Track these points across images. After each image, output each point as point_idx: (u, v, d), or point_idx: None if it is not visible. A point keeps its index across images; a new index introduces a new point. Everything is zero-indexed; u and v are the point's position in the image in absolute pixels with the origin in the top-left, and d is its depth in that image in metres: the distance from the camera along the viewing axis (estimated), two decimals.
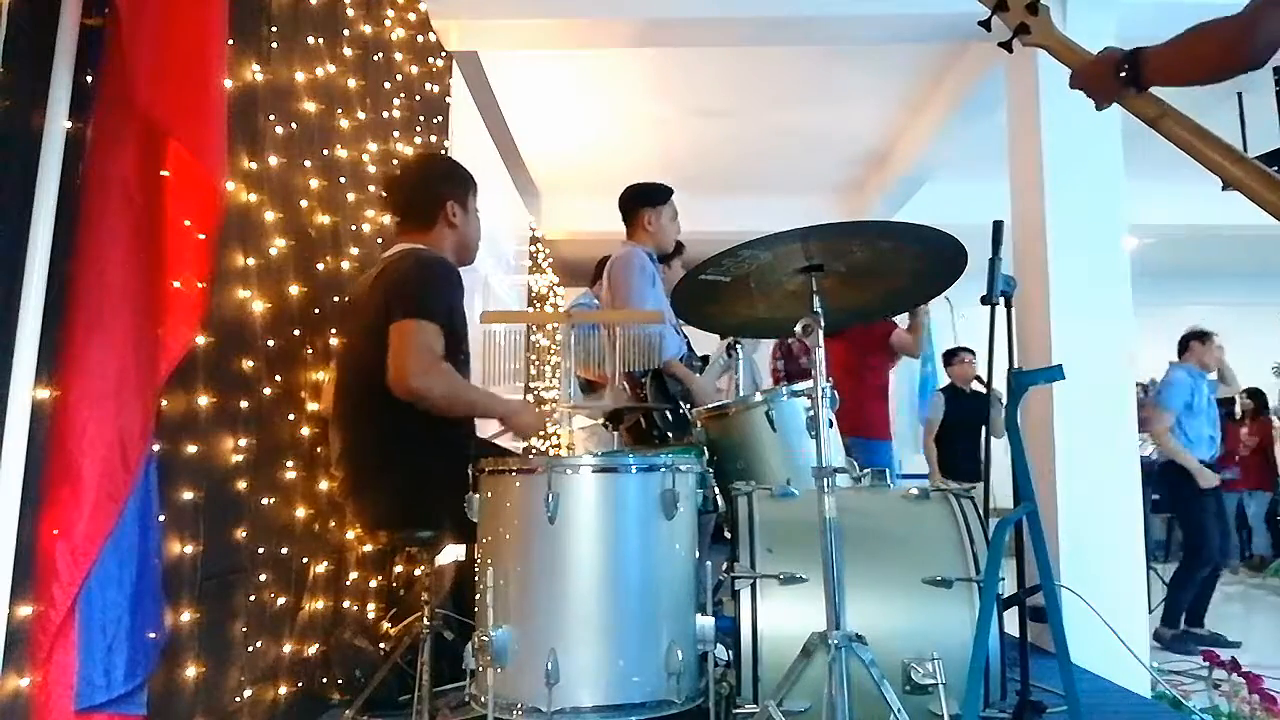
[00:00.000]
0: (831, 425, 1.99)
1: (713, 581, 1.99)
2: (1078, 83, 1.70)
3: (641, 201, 3.46)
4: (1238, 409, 7.93)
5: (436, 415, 2.11)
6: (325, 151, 2.56)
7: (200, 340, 1.75)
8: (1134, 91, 1.60)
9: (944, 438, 5.66)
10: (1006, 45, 1.92)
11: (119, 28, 1.43)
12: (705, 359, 3.57)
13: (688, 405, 3.11)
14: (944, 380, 6.09)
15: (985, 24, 1.94)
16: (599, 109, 5.66)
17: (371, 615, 2.76)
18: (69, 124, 1.43)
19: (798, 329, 1.71)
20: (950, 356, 5.83)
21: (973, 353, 5.68)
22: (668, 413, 3.07)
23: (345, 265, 2.67)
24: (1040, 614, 2.40)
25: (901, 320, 4.54)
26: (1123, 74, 1.59)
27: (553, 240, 7.64)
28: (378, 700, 2.18)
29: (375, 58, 3.06)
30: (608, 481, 1.86)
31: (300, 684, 2.25)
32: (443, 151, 3.94)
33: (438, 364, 2.10)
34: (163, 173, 1.52)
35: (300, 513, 2.30)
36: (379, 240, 2.93)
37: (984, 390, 5.42)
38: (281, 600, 2.18)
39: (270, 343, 2.15)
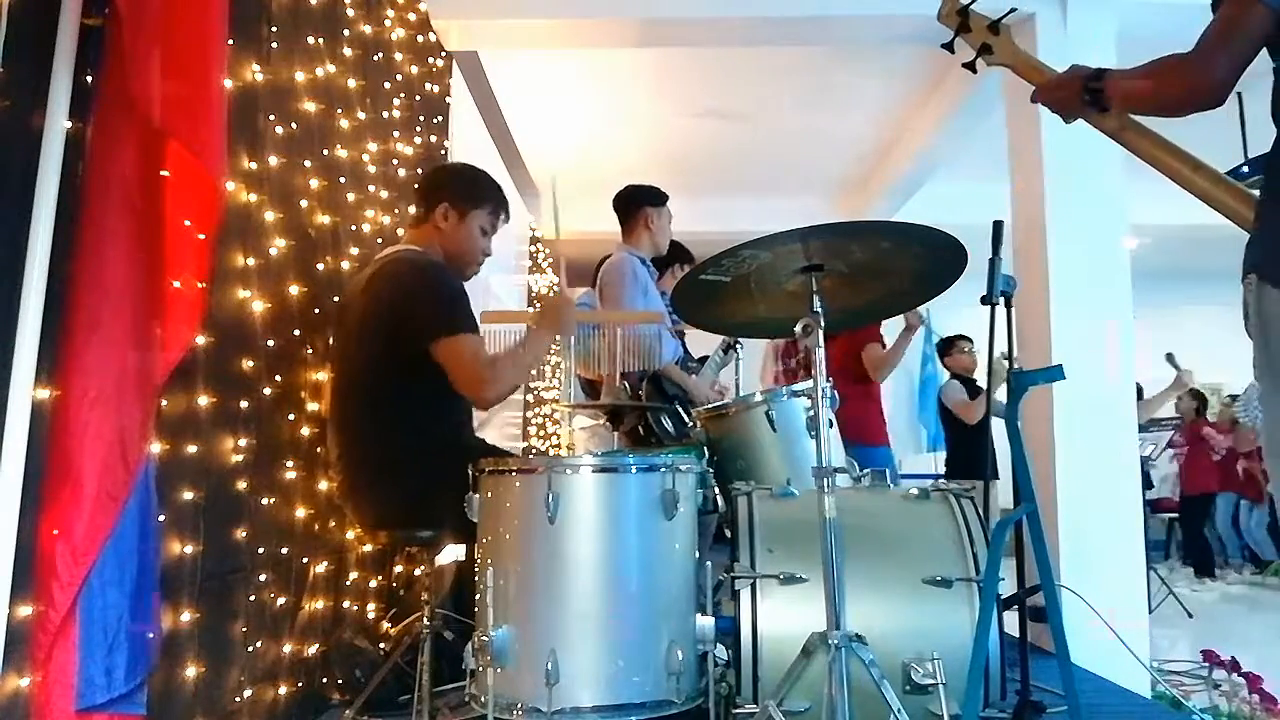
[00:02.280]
0: (832, 425, 1.99)
1: (713, 581, 1.99)
2: (1042, 98, 1.73)
3: (645, 201, 3.50)
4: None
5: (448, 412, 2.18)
6: (325, 151, 2.56)
7: (200, 340, 1.75)
8: (1095, 112, 1.63)
9: (950, 435, 5.57)
10: (970, 65, 1.93)
11: (119, 28, 1.43)
12: (704, 360, 3.57)
13: (686, 409, 3.11)
14: (942, 376, 5.93)
15: (949, 46, 1.96)
16: (599, 109, 5.66)
17: (371, 615, 2.75)
18: (69, 124, 1.43)
19: (798, 329, 1.71)
20: (948, 346, 5.42)
21: (971, 340, 5.30)
22: (666, 416, 3.07)
23: (345, 265, 2.67)
24: (1040, 614, 2.40)
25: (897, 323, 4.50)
26: (1086, 97, 1.62)
27: (553, 240, 7.63)
28: (378, 700, 2.18)
29: (375, 58, 3.06)
30: (608, 481, 1.86)
31: (300, 684, 2.25)
32: (443, 152, 3.95)
33: (494, 366, 2.17)
34: (163, 173, 1.52)
35: (300, 513, 2.30)
36: (379, 240, 2.93)
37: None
38: (281, 600, 2.18)
39: (270, 343, 2.15)
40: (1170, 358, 5.28)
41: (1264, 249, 1.43)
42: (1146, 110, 1.60)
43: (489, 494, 1.92)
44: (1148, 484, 8.22)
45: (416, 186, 2.51)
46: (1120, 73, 1.60)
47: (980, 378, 5.33)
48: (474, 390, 2.15)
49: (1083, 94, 1.63)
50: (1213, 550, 7.76)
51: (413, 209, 2.49)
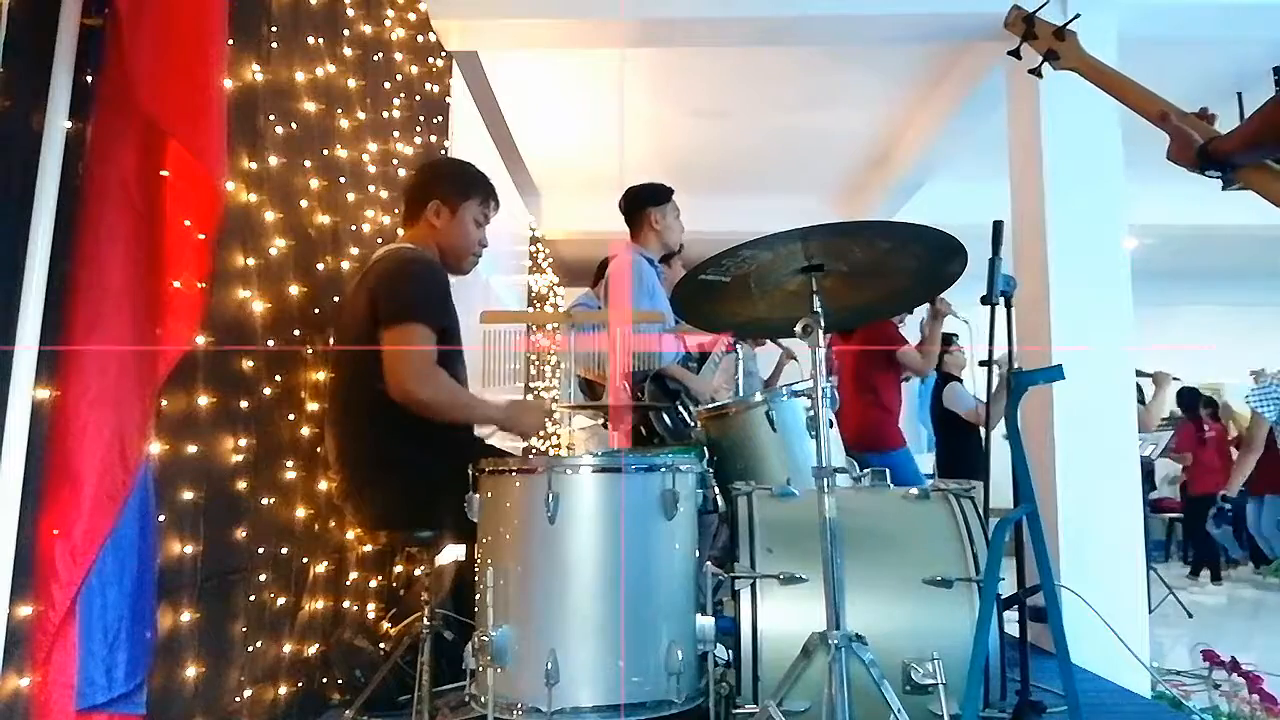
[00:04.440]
0: (831, 425, 1.99)
1: (713, 581, 1.99)
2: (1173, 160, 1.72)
3: (648, 201, 3.48)
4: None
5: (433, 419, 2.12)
6: (325, 151, 2.56)
7: (200, 340, 1.75)
8: (1225, 177, 1.63)
9: (940, 435, 5.54)
10: (1036, 71, 1.96)
11: (119, 28, 1.43)
12: (704, 356, 3.56)
13: (688, 407, 3.11)
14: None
15: (1015, 53, 1.99)
16: (598, 109, 5.66)
17: (371, 615, 2.75)
18: (69, 124, 1.43)
19: (798, 329, 1.71)
20: (945, 343, 5.20)
21: (957, 336, 5.21)
22: (667, 416, 3.07)
23: (345, 265, 2.67)
24: (1040, 614, 2.40)
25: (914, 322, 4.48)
26: (1209, 169, 1.62)
27: (552, 240, 7.64)
28: (378, 700, 2.18)
29: (375, 58, 3.06)
30: (608, 481, 1.86)
31: (300, 684, 2.25)
32: (442, 151, 3.94)
33: (433, 369, 2.12)
34: (163, 173, 1.52)
35: (300, 513, 2.30)
36: (379, 240, 2.93)
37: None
38: (281, 600, 2.18)
39: (270, 343, 2.15)
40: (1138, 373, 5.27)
41: None
42: (1271, 151, 1.57)
43: (489, 494, 1.92)
44: (1151, 484, 8.19)
45: (406, 189, 2.49)
46: (1225, 140, 1.60)
47: (967, 377, 5.33)
48: (402, 381, 2.05)
49: (1200, 165, 1.64)
50: (1219, 552, 7.71)
51: (403, 209, 2.48)
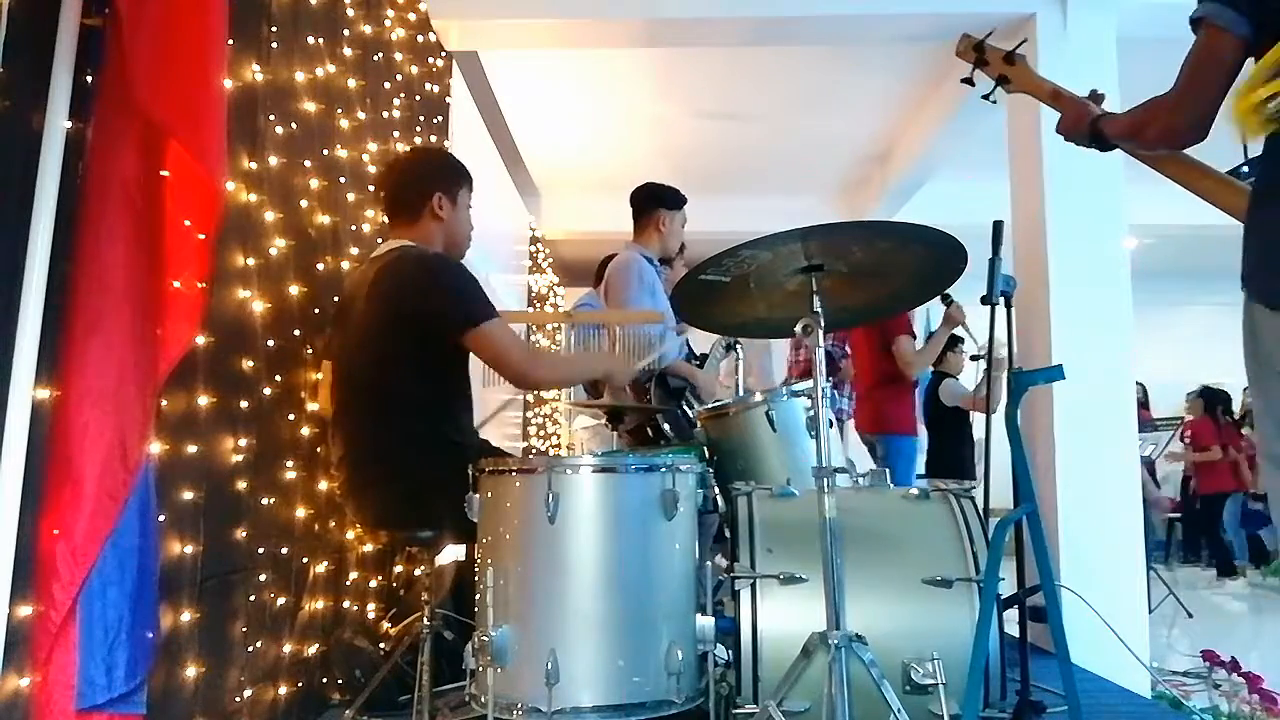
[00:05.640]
0: (831, 425, 1.99)
1: (713, 581, 1.99)
2: (1061, 134, 1.82)
3: (660, 202, 3.49)
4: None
5: (448, 413, 2.18)
6: (325, 151, 2.56)
7: (200, 340, 1.75)
8: (1102, 150, 1.77)
9: (933, 434, 5.53)
10: (988, 97, 1.99)
11: (119, 28, 1.43)
12: (705, 357, 3.57)
13: (692, 405, 3.11)
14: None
15: (968, 80, 2.02)
16: (599, 109, 5.66)
17: (371, 615, 2.76)
18: (69, 124, 1.43)
19: (798, 329, 1.71)
20: (951, 344, 5.29)
21: (963, 340, 5.17)
22: (671, 417, 3.07)
23: (345, 265, 2.67)
24: (1040, 614, 2.40)
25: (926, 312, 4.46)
26: (1090, 140, 1.75)
27: (552, 240, 7.64)
28: (378, 700, 2.18)
29: (375, 58, 3.06)
30: (608, 481, 1.86)
31: (300, 684, 2.25)
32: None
33: (534, 350, 2.17)
34: (163, 173, 1.52)
35: (300, 513, 2.30)
36: (379, 240, 2.92)
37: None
38: (281, 600, 2.18)
39: (270, 343, 2.15)
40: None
41: (1246, 260, 1.44)
42: (1136, 149, 1.70)
43: (489, 494, 1.92)
44: (1156, 485, 8.15)
45: (397, 187, 2.38)
46: (1114, 117, 1.72)
47: (965, 379, 5.33)
48: (522, 371, 2.18)
49: (1089, 135, 1.75)
50: (1231, 551, 7.69)
51: (398, 209, 2.37)
